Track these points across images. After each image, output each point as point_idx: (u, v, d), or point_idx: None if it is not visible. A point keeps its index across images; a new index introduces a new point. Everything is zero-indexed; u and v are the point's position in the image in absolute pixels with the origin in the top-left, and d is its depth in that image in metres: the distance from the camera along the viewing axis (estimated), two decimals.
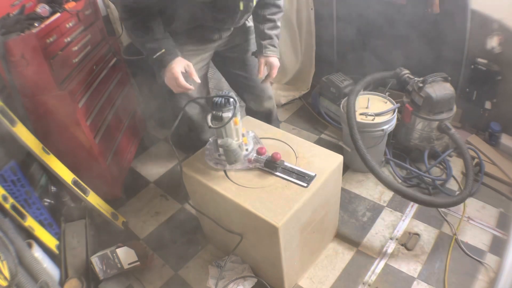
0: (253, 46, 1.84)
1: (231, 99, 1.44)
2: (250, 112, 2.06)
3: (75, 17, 1.88)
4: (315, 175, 1.49)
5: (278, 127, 2.04)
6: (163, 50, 1.46)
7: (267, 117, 2.05)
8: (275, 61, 1.75)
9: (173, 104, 1.83)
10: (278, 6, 1.71)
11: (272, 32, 1.73)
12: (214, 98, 1.44)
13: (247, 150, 1.59)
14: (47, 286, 1.44)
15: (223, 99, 1.43)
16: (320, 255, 1.81)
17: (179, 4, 1.47)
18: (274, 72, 1.77)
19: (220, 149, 1.54)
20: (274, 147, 1.63)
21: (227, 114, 1.43)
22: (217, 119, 1.44)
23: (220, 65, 1.99)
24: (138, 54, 2.39)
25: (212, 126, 1.46)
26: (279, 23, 1.75)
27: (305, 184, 1.46)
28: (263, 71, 1.76)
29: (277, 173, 1.52)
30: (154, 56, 1.47)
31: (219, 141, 1.51)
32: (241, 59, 1.88)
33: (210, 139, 1.66)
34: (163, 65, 1.48)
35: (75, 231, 1.89)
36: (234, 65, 1.90)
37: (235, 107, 1.44)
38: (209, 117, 1.47)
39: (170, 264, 1.87)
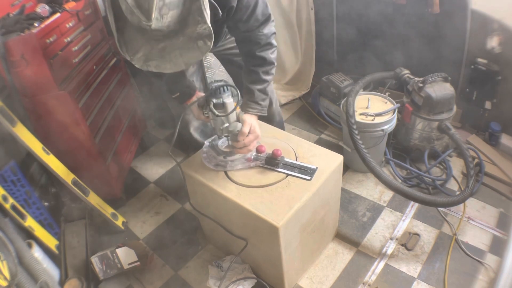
0: None
1: (229, 86, 1.43)
2: None
3: (75, 17, 1.88)
4: (317, 168, 1.50)
5: (283, 128, 2.05)
6: (178, 94, 1.62)
7: (269, 121, 2.04)
8: (247, 119, 1.50)
9: (172, 105, 1.95)
10: (263, 58, 1.51)
11: (254, 86, 1.55)
12: (213, 86, 1.42)
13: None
14: (47, 286, 1.44)
15: (222, 87, 1.41)
16: (320, 255, 1.81)
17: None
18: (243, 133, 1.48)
19: (221, 142, 1.52)
20: (274, 146, 1.63)
21: (228, 100, 1.41)
22: (219, 107, 1.42)
23: (227, 67, 1.99)
24: None
25: (219, 114, 1.42)
26: (265, 77, 1.54)
27: (308, 177, 1.46)
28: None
29: (279, 169, 1.52)
30: (173, 96, 1.63)
31: (227, 127, 1.47)
32: (238, 63, 1.85)
33: (206, 142, 1.65)
34: (180, 103, 1.66)
35: (75, 231, 1.90)
36: (236, 67, 1.89)
37: (232, 92, 1.44)
38: (211, 106, 1.43)
39: (170, 264, 1.87)
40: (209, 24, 1.06)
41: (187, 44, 1.08)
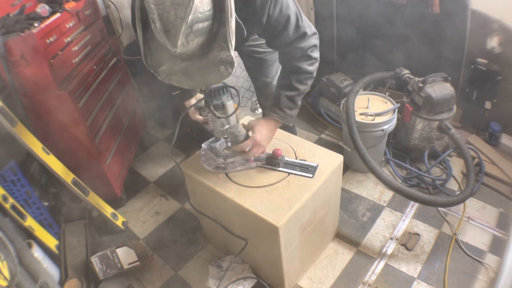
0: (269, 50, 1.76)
1: (229, 87, 1.42)
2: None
3: (75, 17, 1.88)
4: (318, 165, 1.50)
5: (295, 133, 2.05)
6: (178, 92, 1.60)
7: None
8: (259, 126, 1.47)
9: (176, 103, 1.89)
10: (297, 67, 1.45)
11: (281, 91, 1.49)
12: (212, 87, 1.41)
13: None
14: (47, 286, 1.44)
15: (222, 88, 1.41)
16: (320, 255, 1.81)
17: None
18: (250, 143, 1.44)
19: (219, 144, 1.51)
20: (273, 146, 1.63)
21: (228, 101, 1.40)
22: (219, 108, 1.41)
23: (245, 60, 1.93)
24: (138, 54, 2.39)
25: (220, 116, 1.42)
26: (297, 85, 1.47)
27: (310, 175, 1.47)
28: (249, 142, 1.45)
29: (280, 169, 1.52)
30: (173, 94, 1.61)
31: (227, 129, 1.47)
32: (257, 59, 1.82)
33: (203, 145, 1.65)
34: (179, 102, 1.64)
35: (75, 231, 1.90)
36: (255, 62, 1.86)
37: (232, 93, 1.43)
38: (211, 107, 1.41)
39: (170, 264, 1.87)
40: (232, 53, 1.06)
41: (209, 67, 1.09)
